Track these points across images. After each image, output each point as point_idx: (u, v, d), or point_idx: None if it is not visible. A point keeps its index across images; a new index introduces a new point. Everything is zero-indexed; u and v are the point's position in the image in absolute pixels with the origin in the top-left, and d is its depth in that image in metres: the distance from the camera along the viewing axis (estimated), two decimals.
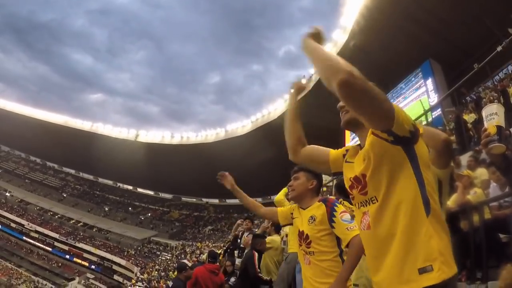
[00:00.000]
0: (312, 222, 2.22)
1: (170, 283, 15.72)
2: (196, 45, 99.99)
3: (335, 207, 2.19)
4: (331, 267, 2.13)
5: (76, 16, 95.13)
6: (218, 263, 5.98)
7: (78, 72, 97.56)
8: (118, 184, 59.65)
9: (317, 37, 1.40)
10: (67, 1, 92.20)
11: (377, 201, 1.28)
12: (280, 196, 4.44)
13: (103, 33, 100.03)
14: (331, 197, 2.29)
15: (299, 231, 2.32)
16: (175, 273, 15.88)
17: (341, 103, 1.46)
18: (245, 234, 5.88)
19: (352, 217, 2.07)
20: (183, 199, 56.60)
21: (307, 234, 2.23)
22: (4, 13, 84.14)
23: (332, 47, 25.51)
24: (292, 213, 2.48)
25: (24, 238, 45.16)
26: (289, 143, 1.79)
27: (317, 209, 2.24)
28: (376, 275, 1.30)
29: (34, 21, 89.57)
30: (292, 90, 1.87)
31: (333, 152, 1.70)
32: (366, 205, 1.34)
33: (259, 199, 44.94)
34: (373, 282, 1.34)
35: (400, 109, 1.22)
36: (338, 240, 2.17)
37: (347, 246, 2.06)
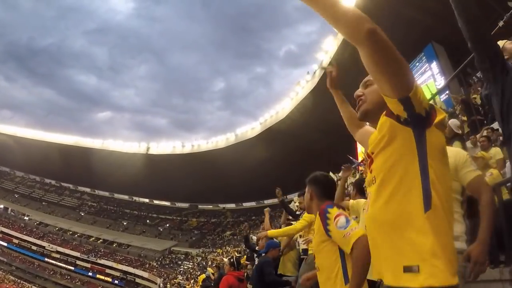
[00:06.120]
0: (315, 235, 2.05)
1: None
2: (197, 54, 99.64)
3: (327, 214, 1.89)
4: (334, 285, 1.86)
5: (75, 37, 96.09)
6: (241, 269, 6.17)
7: (84, 93, 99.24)
8: (134, 198, 60.23)
9: None
10: (64, 24, 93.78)
11: (375, 182, 1.17)
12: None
13: (103, 52, 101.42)
14: (326, 202, 2.03)
15: None
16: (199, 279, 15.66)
17: (358, 92, 1.40)
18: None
19: (348, 220, 1.84)
20: (200, 206, 56.98)
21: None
22: (4, 42, 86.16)
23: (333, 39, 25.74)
24: None
25: (46, 259, 45.53)
26: (346, 124, 1.81)
27: (316, 219, 2.02)
28: (373, 262, 1.22)
29: (34, 47, 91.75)
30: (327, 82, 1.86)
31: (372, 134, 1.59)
32: (370, 185, 1.23)
33: (275, 200, 44.52)
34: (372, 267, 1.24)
35: (420, 86, 1.10)
36: (341, 251, 1.87)
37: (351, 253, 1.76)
